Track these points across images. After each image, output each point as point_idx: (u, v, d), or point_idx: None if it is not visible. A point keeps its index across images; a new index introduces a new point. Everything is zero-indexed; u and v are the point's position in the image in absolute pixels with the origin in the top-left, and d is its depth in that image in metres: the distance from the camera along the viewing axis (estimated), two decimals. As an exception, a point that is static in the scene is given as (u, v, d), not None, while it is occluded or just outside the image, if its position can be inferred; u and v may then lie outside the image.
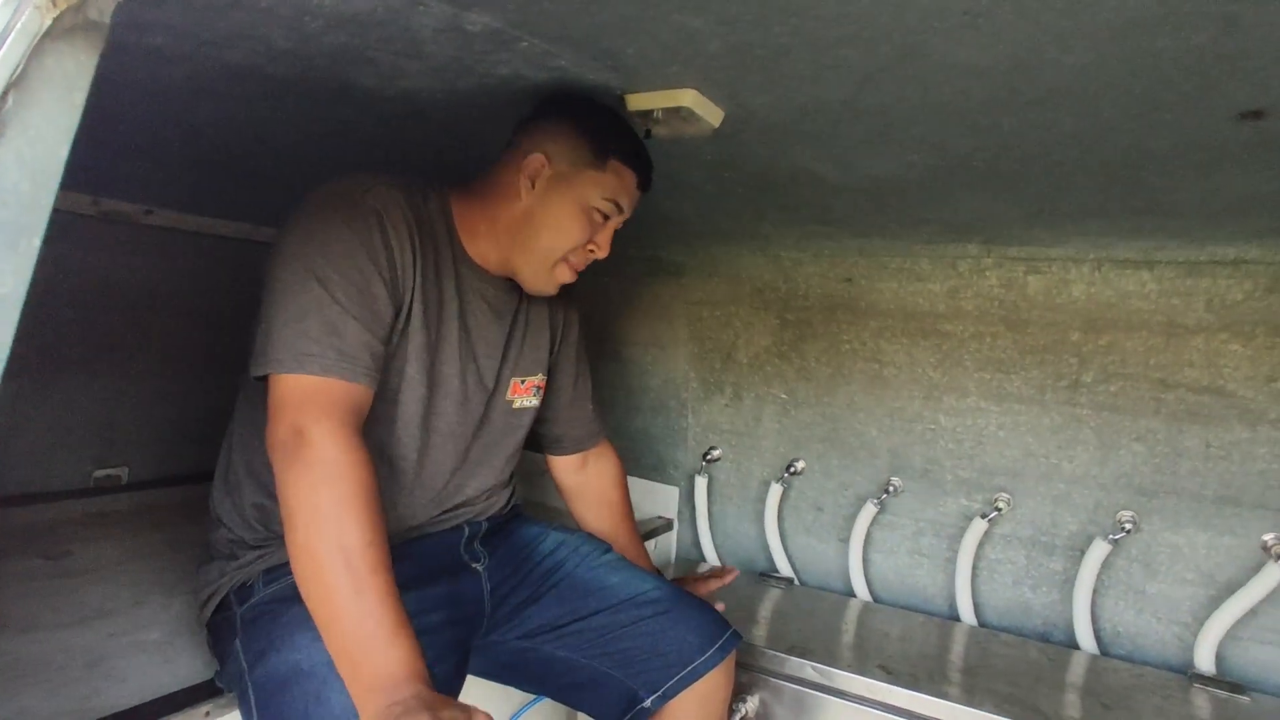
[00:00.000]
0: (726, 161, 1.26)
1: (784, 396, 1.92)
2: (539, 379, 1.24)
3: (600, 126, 1.02)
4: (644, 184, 1.10)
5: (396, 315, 0.98)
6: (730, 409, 2.00)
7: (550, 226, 1.04)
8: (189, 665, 1.05)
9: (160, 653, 1.08)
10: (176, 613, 1.22)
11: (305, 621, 0.83)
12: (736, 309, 1.98)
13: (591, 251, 1.09)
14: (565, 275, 1.09)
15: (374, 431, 1.04)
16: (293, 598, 0.90)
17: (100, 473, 1.83)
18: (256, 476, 1.03)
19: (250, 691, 0.88)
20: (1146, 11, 0.66)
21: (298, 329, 0.87)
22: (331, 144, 1.29)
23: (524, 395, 1.21)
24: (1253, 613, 1.41)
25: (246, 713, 0.89)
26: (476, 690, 1.25)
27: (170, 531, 1.63)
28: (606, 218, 1.07)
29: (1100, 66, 0.78)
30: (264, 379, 0.89)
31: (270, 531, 1.01)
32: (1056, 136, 1.00)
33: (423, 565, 1.06)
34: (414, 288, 1.00)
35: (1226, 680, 1.41)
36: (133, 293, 1.86)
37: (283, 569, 0.97)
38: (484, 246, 1.09)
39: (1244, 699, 1.36)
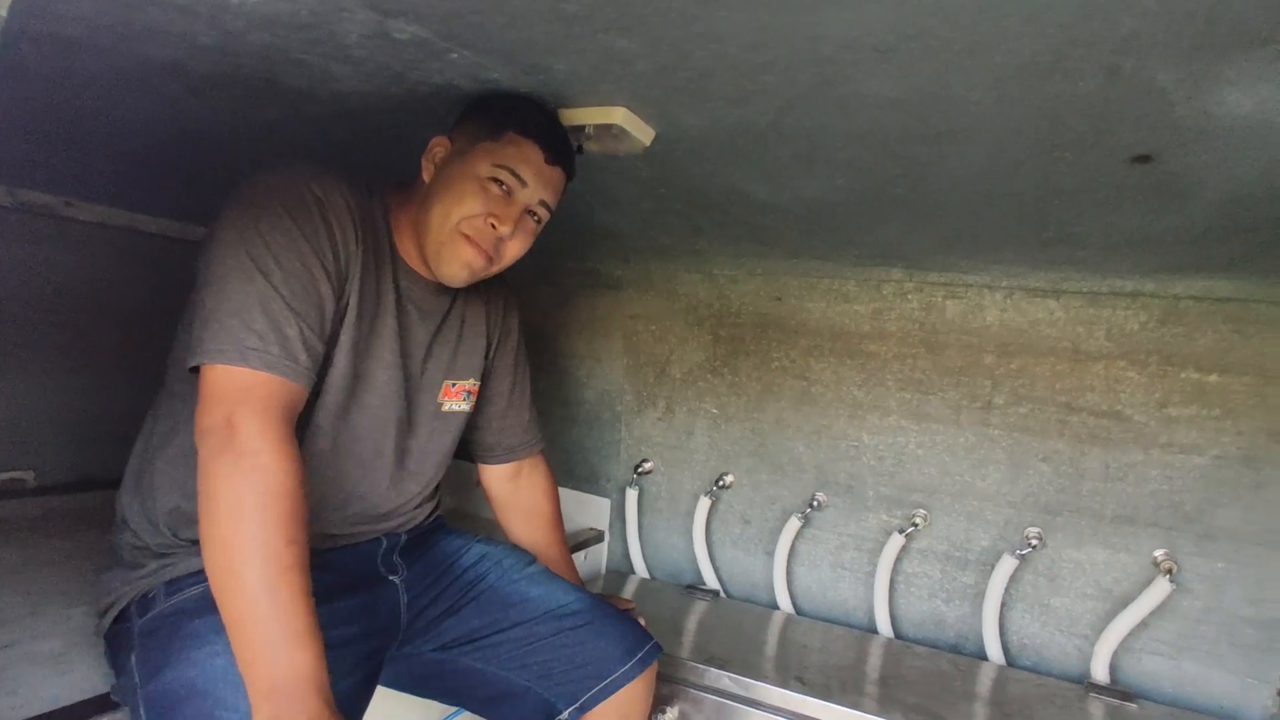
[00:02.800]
0: (661, 178, 1.28)
1: (715, 411, 1.95)
2: (470, 384, 1.22)
3: (501, 104, 0.99)
4: (552, 158, 1.01)
5: (336, 310, 0.95)
6: (663, 422, 2.02)
7: (443, 197, 0.99)
8: (85, 677, 1.01)
9: (56, 664, 1.03)
10: (76, 623, 1.16)
11: (204, 636, 0.80)
12: (672, 324, 2.00)
13: (493, 226, 0.99)
14: (470, 254, 1.00)
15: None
16: (194, 610, 0.87)
17: (4, 475, 1.74)
18: (175, 479, 0.98)
19: (141, 708, 0.84)
20: (1038, 57, 0.71)
21: (242, 320, 0.84)
22: (262, 143, 1.27)
23: (454, 399, 1.19)
24: (1144, 625, 1.50)
25: None
26: (394, 703, 1.23)
27: (77, 538, 1.55)
28: (503, 187, 0.99)
29: (1003, 105, 0.83)
30: (197, 370, 0.86)
31: (179, 539, 0.97)
32: (969, 168, 1.05)
33: (338, 576, 1.04)
34: (353, 275, 0.97)
35: (1118, 689, 1.49)
36: (49, 287, 1.78)
37: (187, 580, 0.94)
38: (409, 244, 1.07)
39: (1133, 706, 1.43)
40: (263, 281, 0.86)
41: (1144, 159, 0.95)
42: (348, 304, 0.98)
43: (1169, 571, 1.46)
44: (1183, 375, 1.49)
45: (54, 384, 1.81)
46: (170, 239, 1.98)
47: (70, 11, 0.78)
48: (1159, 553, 1.50)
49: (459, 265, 1.01)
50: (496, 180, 0.99)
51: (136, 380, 1.72)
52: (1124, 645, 1.51)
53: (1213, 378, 1.47)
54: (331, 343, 0.97)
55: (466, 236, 0.99)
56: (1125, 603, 1.51)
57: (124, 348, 1.92)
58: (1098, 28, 0.65)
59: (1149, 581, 1.49)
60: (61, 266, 1.78)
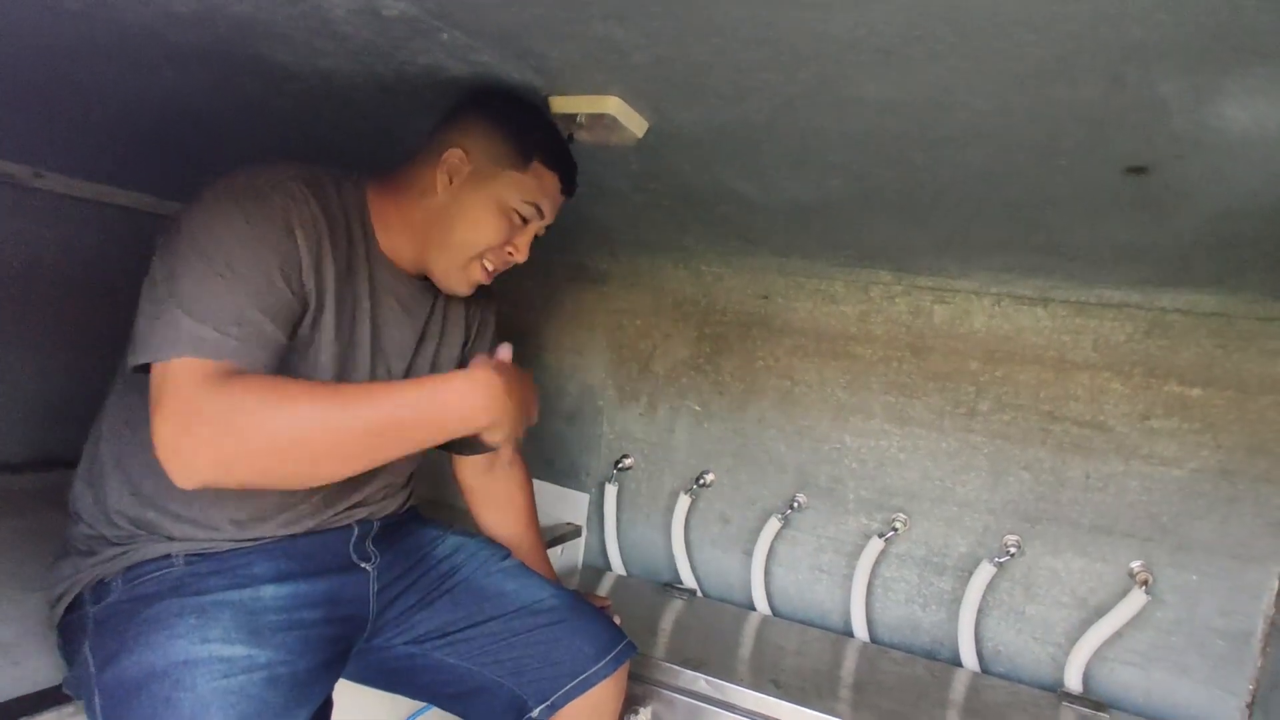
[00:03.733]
0: (652, 173, 1.26)
1: (698, 409, 1.93)
2: (449, 377, 1.21)
3: (524, 126, 1.00)
4: (568, 189, 1.07)
5: (302, 316, 0.92)
6: (645, 419, 2.00)
7: (466, 225, 1.00)
8: (37, 668, 0.97)
9: (7, 654, 0.99)
10: (30, 610, 1.12)
11: (164, 620, 0.78)
12: (656, 320, 1.98)
13: (510, 254, 1.06)
14: (480, 276, 1.06)
15: None
16: (153, 595, 0.84)
17: (-44, 453, 1.69)
18: (125, 474, 0.94)
19: (97, 698, 0.81)
20: (1043, 64, 0.70)
21: (196, 314, 0.79)
22: (244, 118, 1.23)
23: (434, 394, 1.18)
24: (1118, 635, 1.50)
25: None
26: (362, 698, 1.20)
27: (33, 520, 1.50)
28: (525, 220, 1.04)
29: (1004, 111, 0.82)
30: (145, 370, 0.81)
31: (136, 529, 0.94)
32: (964, 174, 1.05)
33: (306, 561, 1.01)
34: (326, 289, 0.94)
35: (1091, 699, 1.50)
36: (15, 260, 1.71)
37: (148, 566, 0.91)
38: (398, 242, 1.04)
39: (1104, 716, 1.44)
40: (219, 281, 0.81)
41: (1138, 170, 0.95)
42: (322, 313, 0.94)
43: (1144, 583, 1.47)
44: (1166, 388, 1.50)
45: (14, 359, 1.75)
46: (144, 213, 1.92)
47: (39, -26, 0.75)
48: (1135, 564, 1.51)
49: (467, 287, 1.07)
50: (521, 214, 1.02)
51: (103, 358, 1.66)
52: (1098, 655, 1.52)
53: (1195, 391, 1.47)
54: (311, 352, 0.95)
55: (482, 261, 1.04)
56: (1100, 612, 1.52)
57: (92, 324, 1.86)
58: (1106, 36, 0.64)
59: (1124, 592, 1.50)
60: (29, 239, 1.72)
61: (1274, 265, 1.21)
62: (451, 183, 0.99)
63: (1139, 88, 0.73)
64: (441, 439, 0.85)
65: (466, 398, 0.84)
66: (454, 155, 0.99)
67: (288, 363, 0.91)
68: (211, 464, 0.73)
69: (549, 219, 1.07)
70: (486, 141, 0.99)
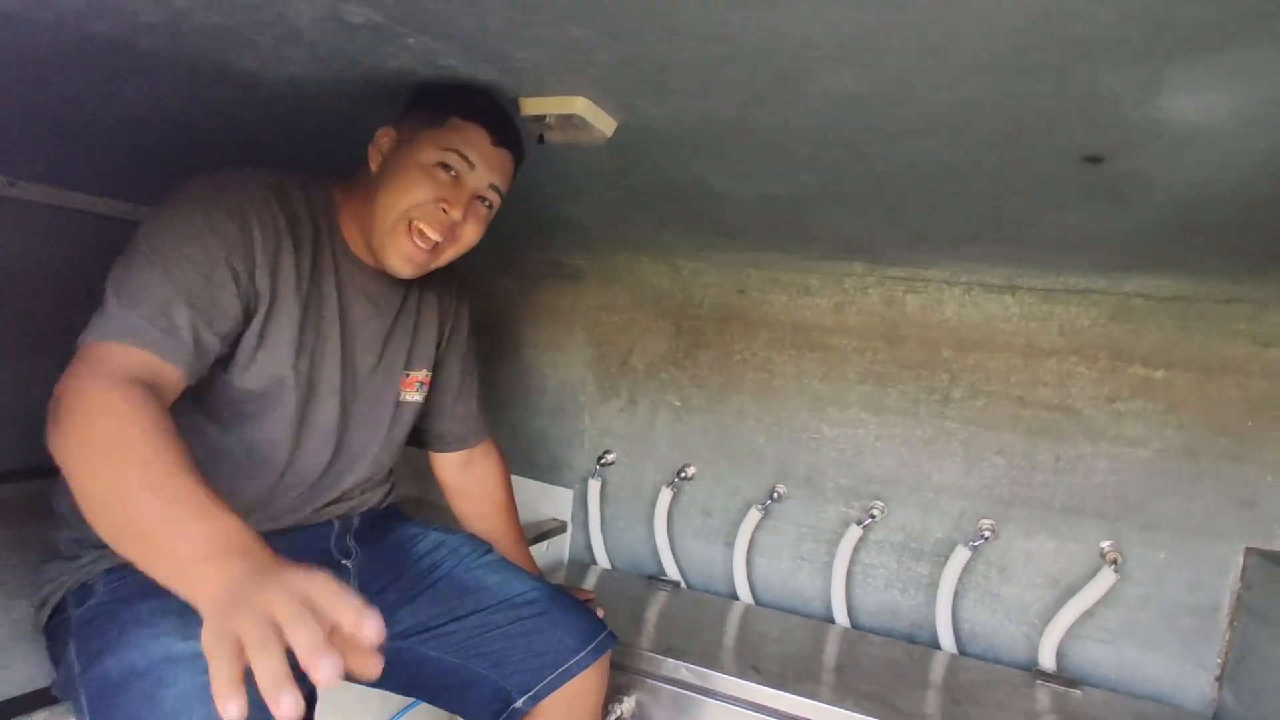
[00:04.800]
0: (624, 169, 1.27)
1: (677, 403, 1.95)
2: (423, 374, 1.22)
3: (442, 90, 0.98)
4: (499, 139, 1.00)
5: (250, 315, 0.93)
6: (625, 414, 2.02)
7: (390, 188, 0.98)
8: (26, 672, 0.97)
9: (-4, 658, 1.00)
10: (19, 616, 1.13)
11: (145, 619, 0.78)
12: (635, 315, 2.00)
13: (444, 211, 0.98)
14: (413, 244, 0.99)
15: (244, 429, 0.99)
16: (134, 595, 0.85)
17: (-59, 464, 1.67)
18: None
19: (83, 697, 0.82)
20: (994, 58, 0.72)
21: (129, 303, 0.83)
22: (216, 124, 1.22)
23: (408, 390, 1.19)
24: (1089, 613, 1.54)
25: None
26: (351, 695, 1.22)
27: (17, 529, 1.50)
28: (451, 171, 0.98)
29: (961, 103, 0.84)
30: None
31: None
32: (929, 166, 1.07)
33: (286, 558, 1.02)
34: (283, 289, 0.96)
35: (1064, 676, 1.54)
36: (-6, 270, 1.71)
37: (127, 568, 0.92)
38: (356, 235, 1.05)
39: (1077, 693, 1.48)
40: (160, 273, 0.85)
41: (1095, 160, 0.97)
42: (275, 305, 0.96)
43: (1114, 561, 1.51)
44: (1130, 371, 1.53)
45: (-4, 369, 1.75)
46: (120, 220, 1.91)
47: (4, -17, 0.75)
48: (1105, 543, 1.54)
49: (400, 258, 1.00)
50: (444, 165, 0.97)
51: (82, 367, 1.65)
52: (1070, 633, 1.56)
53: (1159, 373, 1.51)
54: (275, 351, 0.97)
55: (412, 229, 0.98)
56: (1072, 591, 1.55)
57: (70, 332, 1.84)
58: (1050, 32, 0.66)
59: (1095, 571, 1.53)
60: (4, 248, 1.71)
61: (1230, 250, 1.25)
62: (383, 159, 1.01)
63: (1088, 80, 0.75)
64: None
65: (198, 588, 0.65)
66: (383, 134, 1.01)
67: (241, 363, 0.94)
68: (52, 444, 0.78)
69: (486, 176, 1.01)
70: (411, 115, 1.00)
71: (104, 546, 0.94)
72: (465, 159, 0.98)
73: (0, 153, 1.52)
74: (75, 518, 0.97)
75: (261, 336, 0.95)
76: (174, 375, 0.85)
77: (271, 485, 1.04)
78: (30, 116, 1.25)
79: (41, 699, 0.91)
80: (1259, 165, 0.89)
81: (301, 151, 1.33)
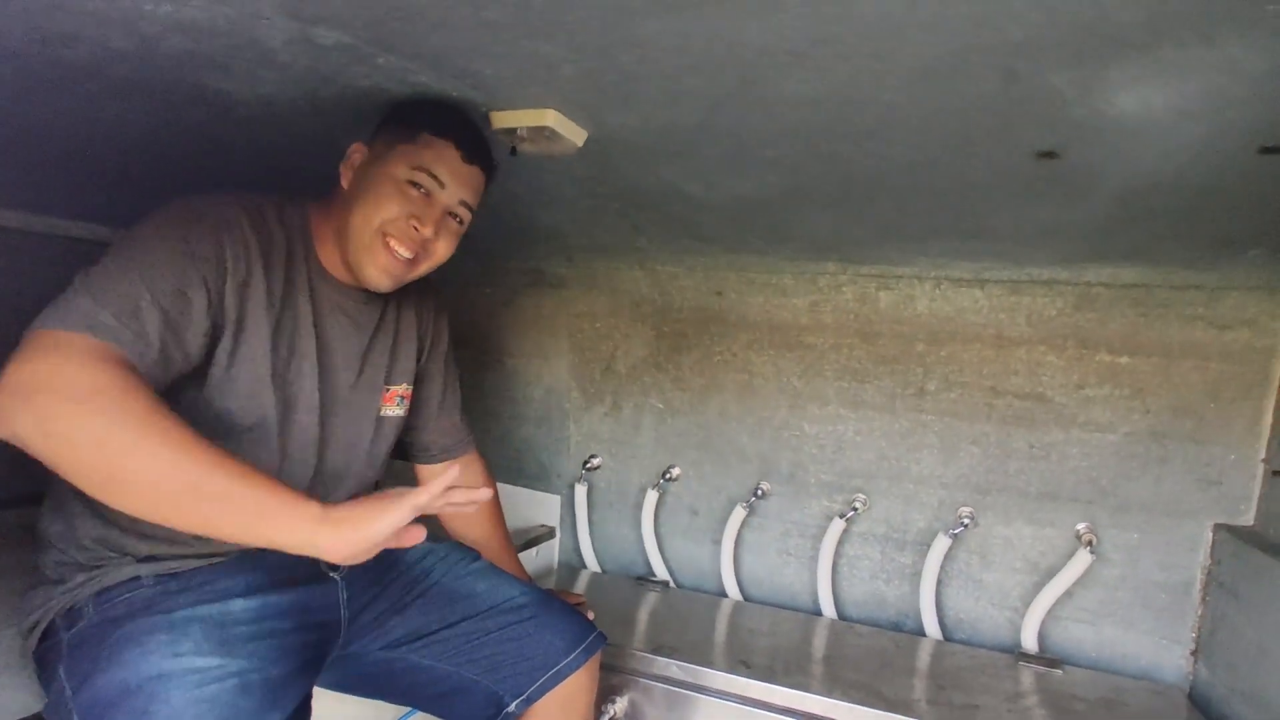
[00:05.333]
0: (598, 177, 1.30)
1: (660, 406, 1.98)
2: (404, 388, 1.23)
3: (414, 107, 1.00)
4: (469, 156, 1.02)
5: (219, 334, 0.93)
6: (610, 418, 2.05)
7: (363, 203, 0.99)
8: (15, 699, 0.97)
9: (-15, 686, 1.00)
10: (6, 644, 1.13)
11: (135, 638, 0.79)
12: (616, 321, 2.03)
13: (415, 227, 1.00)
14: (388, 258, 1.00)
15: (225, 447, 1.00)
16: (124, 616, 0.86)
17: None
18: (92, 502, 0.95)
19: (75, 718, 0.83)
20: (940, 60, 0.75)
21: (100, 299, 0.81)
22: (192, 146, 1.24)
23: (389, 405, 1.20)
24: (1068, 595, 1.58)
25: None
26: (344, 706, 1.22)
27: (10, 555, 1.50)
28: (421, 189, 1.00)
29: (915, 104, 0.88)
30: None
31: (109, 552, 0.96)
32: (891, 165, 1.10)
33: (274, 574, 1.03)
34: (253, 311, 0.96)
35: (1046, 657, 1.58)
36: (-30, 297, 1.70)
37: (116, 590, 0.93)
38: (332, 252, 1.06)
39: (1058, 672, 1.52)
40: (135, 277, 0.83)
41: (1049, 155, 1.01)
42: (242, 327, 0.95)
43: (1090, 543, 1.55)
44: (1097, 358, 1.58)
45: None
46: (97, 243, 1.91)
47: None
48: (1081, 526, 1.59)
49: (378, 271, 1.01)
50: (414, 183, 0.99)
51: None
52: (1051, 615, 1.60)
53: (1124, 359, 1.56)
54: (248, 370, 0.97)
55: (387, 242, 0.99)
56: (1051, 575, 1.59)
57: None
58: (989, 36, 0.70)
59: (1072, 554, 1.57)
60: (-18, 275, 1.72)
61: (1183, 237, 1.29)
62: (355, 175, 1.03)
63: (1032, 80, 0.79)
64: (253, 545, 0.79)
65: (295, 534, 0.78)
66: (355, 150, 1.04)
67: (215, 381, 0.94)
68: (35, 424, 0.77)
69: (456, 193, 1.03)
70: (382, 132, 1.03)
71: (93, 568, 0.95)
72: (435, 178, 1.00)
73: (-25, 180, 1.53)
74: (65, 540, 0.98)
75: (233, 355, 0.95)
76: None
77: None
78: (3, 143, 1.26)
79: (32, 725, 0.92)
80: (1194, 155, 0.94)
81: (277, 170, 1.34)
